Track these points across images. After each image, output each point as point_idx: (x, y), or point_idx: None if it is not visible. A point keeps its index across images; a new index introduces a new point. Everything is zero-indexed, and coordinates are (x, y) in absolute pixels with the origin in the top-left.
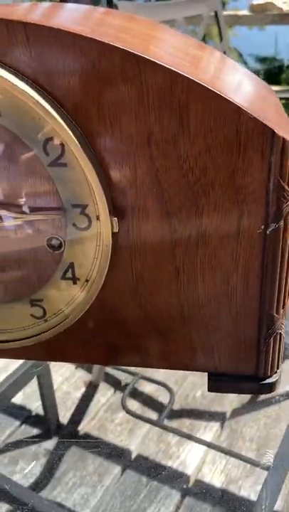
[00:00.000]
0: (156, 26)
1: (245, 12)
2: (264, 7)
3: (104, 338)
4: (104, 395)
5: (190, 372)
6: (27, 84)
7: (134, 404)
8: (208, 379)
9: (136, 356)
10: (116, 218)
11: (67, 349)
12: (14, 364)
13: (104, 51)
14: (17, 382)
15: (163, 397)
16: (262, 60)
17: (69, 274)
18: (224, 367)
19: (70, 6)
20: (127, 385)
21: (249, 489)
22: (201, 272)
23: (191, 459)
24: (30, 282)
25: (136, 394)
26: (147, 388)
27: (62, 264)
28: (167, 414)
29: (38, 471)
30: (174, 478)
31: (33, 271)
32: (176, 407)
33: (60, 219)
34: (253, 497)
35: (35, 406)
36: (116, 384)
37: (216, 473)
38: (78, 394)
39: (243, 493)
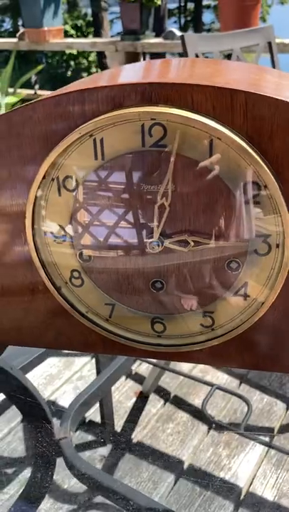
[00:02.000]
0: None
1: None
2: None
3: (263, 348)
4: (155, 405)
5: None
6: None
7: (183, 416)
8: None
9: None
10: None
11: (228, 355)
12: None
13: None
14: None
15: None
16: None
17: (241, 292)
18: None
19: (233, 65)
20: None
21: None
22: None
23: (242, 471)
24: (206, 296)
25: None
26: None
27: (237, 283)
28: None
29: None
30: (226, 489)
31: (210, 287)
32: (225, 420)
33: (244, 246)
34: None
35: (89, 412)
36: (165, 395)
37: (267, 486)
38: (130, 403)
39: None
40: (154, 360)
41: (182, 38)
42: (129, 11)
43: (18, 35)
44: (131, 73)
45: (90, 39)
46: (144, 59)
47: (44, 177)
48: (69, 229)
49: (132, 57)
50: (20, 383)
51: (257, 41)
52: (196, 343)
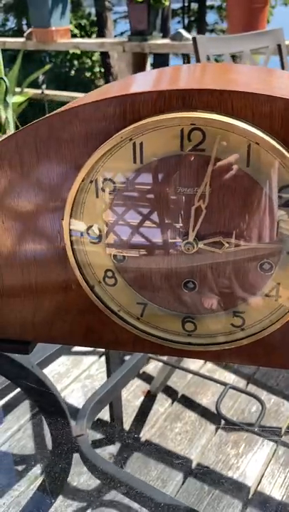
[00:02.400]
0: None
1: None
2: None
3: None
4: (163, 405)
5: None
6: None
7: (191, 415)
8: None
9: None
10: None
11: (255, 355)
12: None
13: None
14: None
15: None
16: None
17: (273, 293)
18: None
19: (263, 71)
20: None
21: None
22: None
23: (250, 470)
24: (237, 296)
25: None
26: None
27: (269, 284)
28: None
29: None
30: (234, 488)
31: (241, 287)
32: (233, 419)
33: (277, 247)
34: None
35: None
36: (173, 394)
37: (276, 485)
38: (137, 402)
39: None
40: (164, 358)
41: (194, 40)
42: (137, 11)
43: (25, 34)
44: (165, 78)
45: (98, 39)
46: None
47: (83, 180)
48: (104, 230)
49: (139, 58)
50: (39, 380)
51: (266, 43)
52: (225, 342)
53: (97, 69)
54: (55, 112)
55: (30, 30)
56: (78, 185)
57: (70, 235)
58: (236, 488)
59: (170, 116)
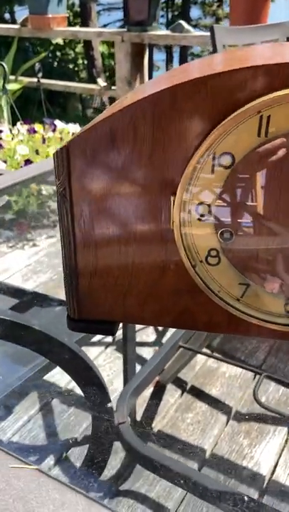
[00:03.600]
0: None
1: None
2: None
3: None
4: (172, 395)
5: None
6: None
7: (202, 406)
8: None
9: None
10: None
11: None
12: None
13: None
14: None
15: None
16: None
17: None
18: None
19: None
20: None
21: None
22: None
23: (264, 460)
24: None
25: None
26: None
27: None
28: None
29: (118, 463)
30: (250, 477)
31: None
32: (243, 410)
33: None
34: None
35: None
36: (182, 385)
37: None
38: (147, 393)
39: None
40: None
41: (212, 29)
42: (137, 1)
43: (20, 21)
44: (276, 53)
45: (96, 29)
46: (149, 51)
47: (202, 154)
48: (214, 207)
49: (138, 48)
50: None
51: (277, 36)
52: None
53: (80, 61)
54: (181, 82)
55: (25, 16)
56: (196, 159)
57: (180, 213)
58: (251, 478)
59: None
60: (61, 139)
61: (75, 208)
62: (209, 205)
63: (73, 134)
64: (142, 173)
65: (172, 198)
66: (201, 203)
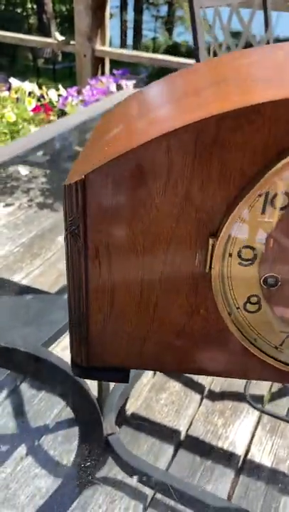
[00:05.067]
0: None
1: None
2: None
3: None
4: (146, 375)
5: None
6: None
7: (175, 385)
8: None
9: None
10: None
11: None
12: None
13: None
14: None
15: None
16: None
17: None
18: None
19: None
20: None
21: None
22: None
23: (239, 439)
24: None
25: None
26: None
27: None
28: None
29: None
30: (225, 457)
31: None
32: (216, 388)
33: None
34: None
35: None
36: None
37: (264, 453)
38: None
39: None
40: None
41: None
42: None
43: None
44: None
45: None
46: None
47: (252, 193)
48: (262, 250)
49: (100, 1)
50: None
51: None
52: None
53: (29, 5)
54: (226, 110)
55: None
56: (245, 199)
57: (220, 256)
58: (227, 458)
59: None
60: (17, 99)
61: (90, 250)
62: (254, 249)
63: (32, 94)
64: (176, 213)
65: (211, 241)
66: (245, 247)
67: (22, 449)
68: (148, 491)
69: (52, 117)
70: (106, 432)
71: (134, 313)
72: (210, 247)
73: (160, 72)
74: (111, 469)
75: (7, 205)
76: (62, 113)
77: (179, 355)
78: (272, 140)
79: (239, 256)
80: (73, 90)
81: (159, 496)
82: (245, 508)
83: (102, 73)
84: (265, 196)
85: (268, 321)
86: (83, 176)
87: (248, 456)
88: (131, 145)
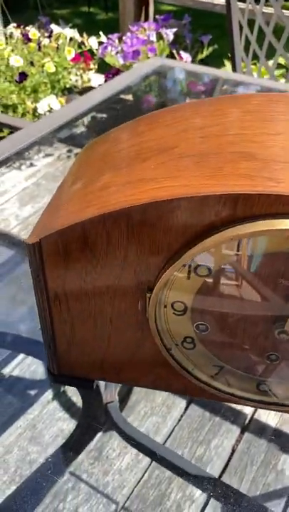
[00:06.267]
0: None
1: None
2: None
3: None
4: None
5: None
6: None
7: None
8: None
9: None
10: None
11: None
12: None
13: None
14: None
15: None
16: None
17: None
18: None
19: None
20: None
21: None
22: None
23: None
24: None
25: None
26: None
27: None
28: None
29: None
30: (233, 416)
31: None
32: None
33: None
34: None
35: None
36: None
37: (270, 415)
38: None
39: None
40: None
41: None
42: None
43: None
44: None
45: None
46: None
47: (176, 264)
48: (189, 305)
49: None
50: None
51: None
52: None
53: None
54: (148, 200)
55: None
56: (171, 269)
57: (155, 308)
58: (235, 416)
59: (281, 226)
60: (57, 48)
61: (50, 293)
62: (184, 303)
63: (72, 40)
64: (117, 271)
65: (148, 295)
66: (177, 301)
67: (48, 394)
68: (159, 439)
69: (92, 66)
70: (105, 400)
71: (93, 341)
72: (147, 299)
73: (203, 15)
74: (126, 417)
75: (46, 155)
76: (102, 62)
77: (133, 376)
78: (188, 226)
79: (173, 307)
80: (114, 37)
81: (168, 443)
82: (246, 461)
83: (146, 17)
84: (188, 266)
85: (202, 356)
86: (38, 240)
87: (255, 416)
88: (78, 217)
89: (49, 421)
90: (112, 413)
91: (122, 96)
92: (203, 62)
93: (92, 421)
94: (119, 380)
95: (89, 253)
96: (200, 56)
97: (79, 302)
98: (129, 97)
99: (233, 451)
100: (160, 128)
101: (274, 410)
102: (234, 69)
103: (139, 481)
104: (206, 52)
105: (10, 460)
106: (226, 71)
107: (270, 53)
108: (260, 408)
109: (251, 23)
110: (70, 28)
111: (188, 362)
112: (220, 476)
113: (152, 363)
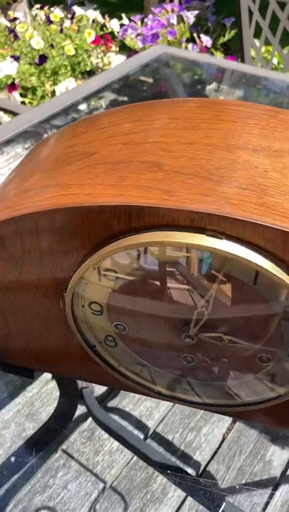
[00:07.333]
0: None
1: None
2: None
3: None
4: None
5: None
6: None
7: None
8: None
9: None
10: None
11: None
12: None
13: None
14: None
15: None
16: None
17: (267, 380)
18: None
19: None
20: None
21: None
22: None
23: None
24: (232, 376)
25: None
26: None
27: (265, 373)
28: None
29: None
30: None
31: (237, 369)
32: None
33: (278, 351)
34: None
35: None
36: None
37: None
38: None
39: None
40: None
41: None
42: None
43: None
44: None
45: None
46: None
47: (85, 267)
48: (104, 306)
49: None
50: None
51: None
52: (221, 405)
53: None
54: (54, 206)
55: None
56: (82, 271)
57: (72, 306)
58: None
59: (176, 240)
60: (78, 30)
61: None
62: (100, 304)
63: (94, 21)
64: (37, 270)
65: (64, 294)
66: (92, 302)
67: (47, 374)
68: (151, 423)
69: (113, 48)
70: (81, 385)
71: (26, 334)
72: (66, 298)
73: None
74: (122, 399)
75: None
76: (123, 45)
77: (67, 369)
78: (92, 231)
79: (90, 307)
80: (137, 19)
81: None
82: (234, 450)
83: None
84: (98, 269)
85: (125, 354)
86: None
87: None
88: None
89: (47, 399)
90: (86, 398)
91: (116, 85)
92: (225, 45)
93: (69, 407)
94: (57, 372)
95: (7, 253)
96: (222, 40)
97: (7, 297)
98: (123, 87)
99: (224, 439)
100: (93, 132)
101: (202, 409)
102: (242, 59)
103: (128, 462)
104: (228, 36)
105: (6, 435)
106: (230, 62)
107: (285, 40)
108: (190, 407)
109: (263, 7)
110: (95, 9)
111: (113, 359)
112: (208, 463)
113: (82, 357)
